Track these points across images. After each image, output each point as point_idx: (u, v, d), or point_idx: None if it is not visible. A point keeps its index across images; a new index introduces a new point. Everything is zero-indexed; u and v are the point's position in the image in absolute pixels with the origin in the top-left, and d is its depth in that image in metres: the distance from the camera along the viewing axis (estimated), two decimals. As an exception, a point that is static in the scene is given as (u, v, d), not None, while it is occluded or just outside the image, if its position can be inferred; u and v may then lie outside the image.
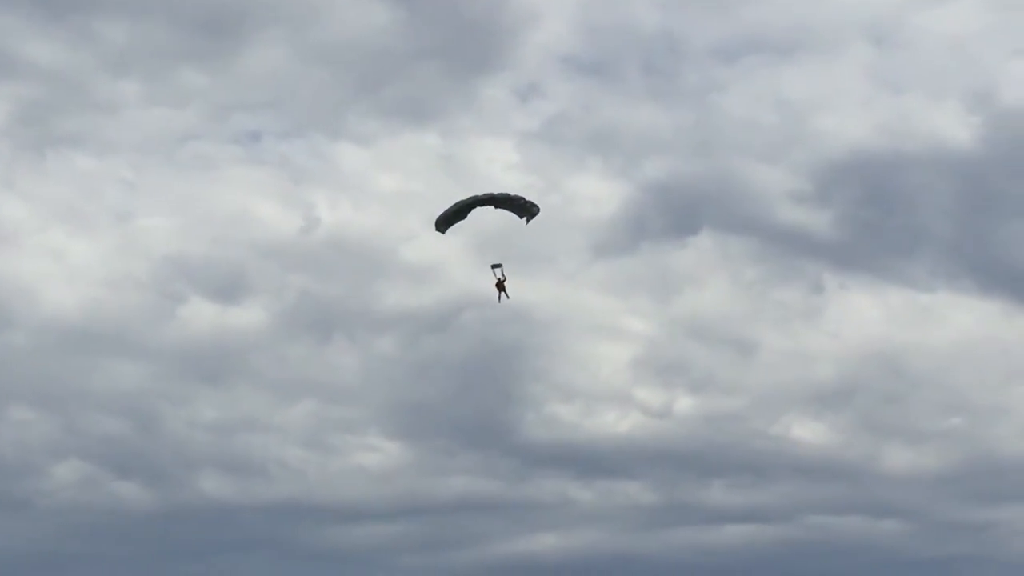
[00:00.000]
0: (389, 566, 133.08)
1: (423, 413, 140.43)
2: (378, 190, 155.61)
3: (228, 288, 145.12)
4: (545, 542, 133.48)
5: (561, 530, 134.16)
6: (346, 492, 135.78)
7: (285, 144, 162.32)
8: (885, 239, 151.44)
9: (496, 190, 66.41)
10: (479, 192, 65.42)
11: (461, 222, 65.50)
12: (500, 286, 67.35)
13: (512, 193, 64.43)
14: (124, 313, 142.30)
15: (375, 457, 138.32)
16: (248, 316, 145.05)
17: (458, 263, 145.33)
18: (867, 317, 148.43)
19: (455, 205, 64.24)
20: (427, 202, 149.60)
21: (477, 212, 65.28)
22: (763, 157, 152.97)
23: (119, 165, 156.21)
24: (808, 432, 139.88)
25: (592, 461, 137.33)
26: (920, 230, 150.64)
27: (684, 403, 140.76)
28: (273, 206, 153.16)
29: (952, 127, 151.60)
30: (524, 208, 64.22)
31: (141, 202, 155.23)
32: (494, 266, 66.63)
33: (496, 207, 64.33)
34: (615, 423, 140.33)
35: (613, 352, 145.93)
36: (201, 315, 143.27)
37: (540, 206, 63.22)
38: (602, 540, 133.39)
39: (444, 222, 65.13)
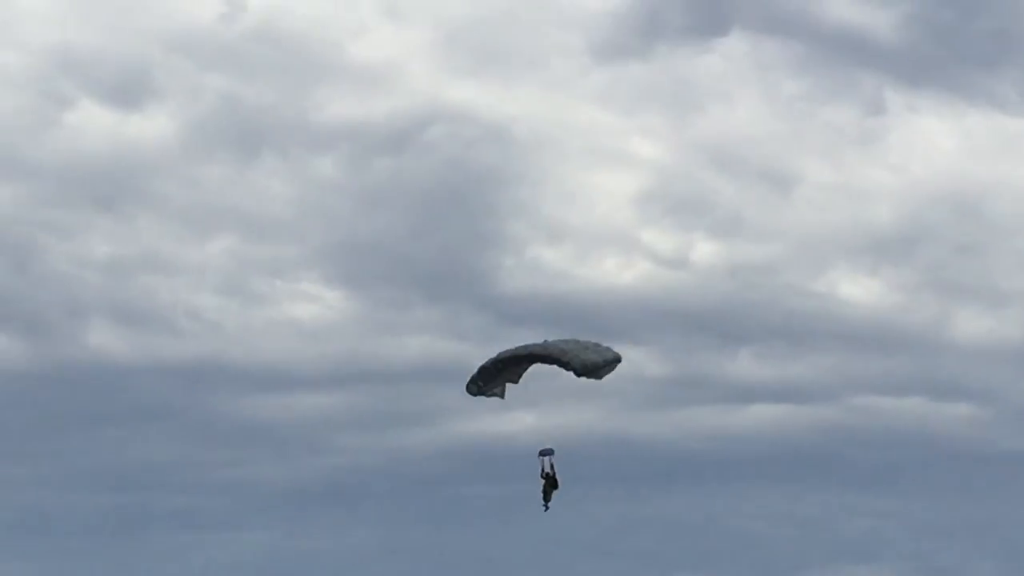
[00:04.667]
0: (323, 446, 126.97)
1: (373, 254, 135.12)
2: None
3: (127, 90, 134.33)
4: (522, 422, 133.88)
5: (543, 407, 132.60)
6: (272, 352, 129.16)
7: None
8: (964, 47, 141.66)
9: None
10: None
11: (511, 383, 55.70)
12: (550, 483, 55.72)
13: (585, 341, 54.08)
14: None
15: (311, 309, 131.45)
16: (152, 126, 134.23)
17: (422, 64, 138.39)
18: (939, 146, 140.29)
19: (496, 358, 54.84)
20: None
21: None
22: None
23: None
24: (860, 290, 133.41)
25: (585, 320, 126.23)
26: (1010, 36, 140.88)
27: (704, 250, 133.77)
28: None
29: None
30: (593, 366, 53.39)
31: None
32: (543, 453, 55.33)
33: (551, 364, 54.36)
34: (616, 273, 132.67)
35: (615, 183, 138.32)
36: (93, 123, 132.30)
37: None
38: (595, 421, 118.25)
39: (483, 382, 55.43)
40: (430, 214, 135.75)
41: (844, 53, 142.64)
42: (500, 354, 54.85)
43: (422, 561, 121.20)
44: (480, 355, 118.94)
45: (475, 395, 56.05)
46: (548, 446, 55.25)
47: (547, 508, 56.12)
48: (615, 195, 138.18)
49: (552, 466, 55.50)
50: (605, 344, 53.65)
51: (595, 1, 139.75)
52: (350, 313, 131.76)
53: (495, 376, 55.15)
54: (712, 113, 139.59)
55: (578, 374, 53.46)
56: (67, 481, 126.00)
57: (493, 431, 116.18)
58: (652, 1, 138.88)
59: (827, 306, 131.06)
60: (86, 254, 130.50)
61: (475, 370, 55.48)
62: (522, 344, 54.51)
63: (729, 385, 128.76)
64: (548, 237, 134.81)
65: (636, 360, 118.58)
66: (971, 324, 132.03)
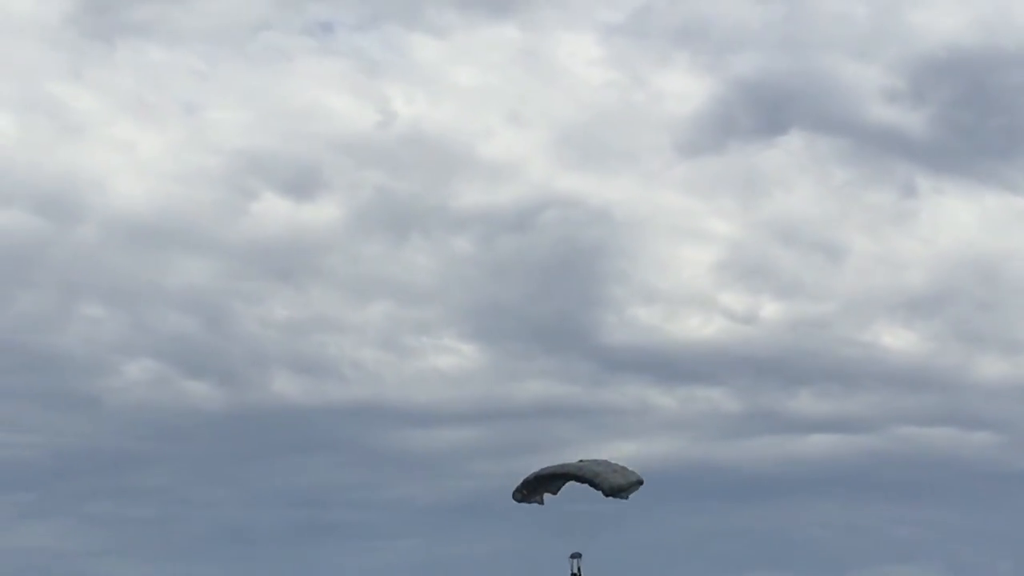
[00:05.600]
0: (462, 471, 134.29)
1: (500, 315, 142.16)
2: (455, 84, 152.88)
3: (301, 184, 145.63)
4: (623, 449, 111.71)
5: (640, 437, 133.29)
6: (420, 395, 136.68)
7: (359, 35, 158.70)
8: (982, 140, 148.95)
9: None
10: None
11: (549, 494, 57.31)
12: None
13: (614, 464, 55.73)
14: (195, 208, 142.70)
15: (451, 359, 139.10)
16: (322, 213, 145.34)
17: (538, 161, 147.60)
18: (961, 222, 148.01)
19: (539, 473, 56.42)
20: (505, 97, 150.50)
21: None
22: (855, 53, 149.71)
23: (189, 55, 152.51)
24: (898, 340, 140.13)
25: (673, 366, 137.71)
26: (1019, 131, 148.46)
27: (770, 308, 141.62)
28: (347, 99, 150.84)
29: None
30: (619, 488, 55.06)
31: (212, 94, 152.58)
32: (573, 556, 56.32)
33: (584, 483, 55.55)
34: (698, 328, 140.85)
35: (696, 255, 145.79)
36: (274, 211, 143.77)
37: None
38: (682, 448, 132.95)
39: (527, 491, 57.30)
40: (546, 281, 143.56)
41: (883, 147, 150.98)
42: (542, 470, 55.57)
43: (541, 563, 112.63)
44: (590, 397, 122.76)
45: (519, 502, 56.39)
46: (577, 550, 55.36)
47: None
48: (696, 264, 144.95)
49: (579, 568, 55.64)
50: (631, 468, 54.98)
51: (678, 107, 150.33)
52: (483, 363, 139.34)
53: (537, 488, 56.21)
54: (775, 197, 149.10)
55: (606, 494, 54.22)
56: (257, 500, 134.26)
57: (600, 458, 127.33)
58: (725, 106, 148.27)
59: (871, 353, 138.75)
60: (269, 316, 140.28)
61: (520, 482, 56.13)
62: (560, 463, 55.50)
63: (791, 418, 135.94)
64: (642, 299, 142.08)
65: (714, 398, 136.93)
66: (990, 367, 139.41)
